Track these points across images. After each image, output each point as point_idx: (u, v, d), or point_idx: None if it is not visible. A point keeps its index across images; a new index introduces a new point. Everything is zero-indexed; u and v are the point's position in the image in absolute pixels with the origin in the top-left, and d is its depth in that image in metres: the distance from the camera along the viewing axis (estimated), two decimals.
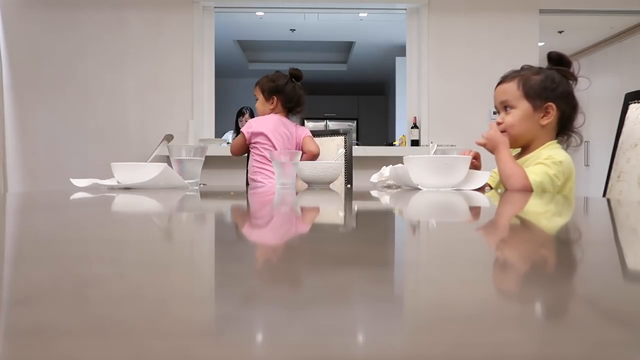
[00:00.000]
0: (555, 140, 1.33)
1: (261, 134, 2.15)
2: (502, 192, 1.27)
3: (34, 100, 3.62)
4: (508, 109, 1.33)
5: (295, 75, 2.24)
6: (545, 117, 1.30)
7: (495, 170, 1.45)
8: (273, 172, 2.09)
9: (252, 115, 4.50)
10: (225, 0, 3.80)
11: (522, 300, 0.20)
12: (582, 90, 1.35)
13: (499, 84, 1.38)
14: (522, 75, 1.32)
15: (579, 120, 1.35)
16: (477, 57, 3.67)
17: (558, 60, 1.35)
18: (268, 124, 2.16)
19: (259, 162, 2.16)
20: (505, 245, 0.37)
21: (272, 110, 2.21)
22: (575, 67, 1.34)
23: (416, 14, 3.76)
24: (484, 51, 3.67)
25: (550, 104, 1.29)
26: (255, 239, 0.42)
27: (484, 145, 1.32)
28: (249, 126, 2.18)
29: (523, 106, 1.30)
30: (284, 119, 2.20)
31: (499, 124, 1.34)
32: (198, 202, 0.89)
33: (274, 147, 2.12)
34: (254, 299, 0.19)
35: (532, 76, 1.32)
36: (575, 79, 1.33)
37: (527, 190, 1.20)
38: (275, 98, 2.20)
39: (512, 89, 1.32)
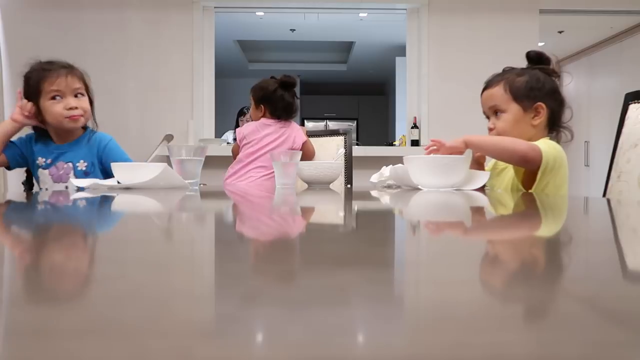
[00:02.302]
0: (547, 137, 1.33)
1: (244, 138, 2.19)
2: (501, 191, 1.27)
3: None
4: (498, 113, 1.32)
5: (285, 82, 2.20)
6: (536, 117, 1.30)
7: (488, 168, 1.44)
8: (251, 172, 2.12)
9: None
10: (225, 0, 3.81)
11: (521, 300, 0.20)
12: (566, 85, 1.35)
13: (484, 89, 1.37)
14: (506, 79, 1.31)
15: (566, 115, 1.35)
16: (477, 57, 3.67)
17: (537, 59, 1.35)
18: (249, 128, 2.20)
19: (237, 162, 2.19)
20: (504, 245, 0.37)
21: (262, 117, 2.23)
22: (554, 64, 1.34)
23: (416, 14, 3.76)
24: (484, 51, 3.67)
25: (539, 103, 1.29)
26: (256, 239, 0.41)
27: (436, 151, 1.24)
28: (239, 132, 2.23)
29: (513, 109, 1.30)
30: (269, 121, 2.19)
31: (490, 129, 1.33)
32: (198, 202, 0.89)
33: (256, 150, 2.14)
34: (254, 299, 0.19)
35: (517, 78, 1.31)
36: (557, 75, 1.33)
37: (533, 148, 1.17)
38: (262, 106, 2.22)
39: (499, 93, 1.31)
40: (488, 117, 1.37)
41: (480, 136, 1.24)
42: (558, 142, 1.34)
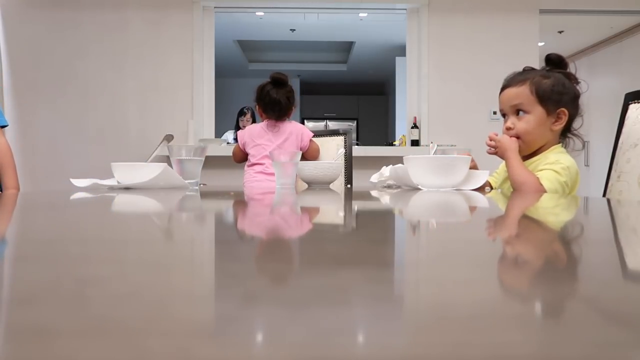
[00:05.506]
0: (561, 144, 1.32)
1: (251, 141, 2.18)
2: (507, 192, 1.27)
3: (34, 100, 3.62)
4: (521, 113, 1.29)
5: (274, 79, 2.17)
6: (557, 123, 1.28)
7: (497, 171, 1.44)
8: (266, 175, 2.12)
9: (253, 115, 4.52)
10: (225, 0, 3.81)
11: (522, 300, 0.20)
12: (583, 93, 1.34)
13: (506, 87, 1.33)
14: (531, 79, 1.29)
15: (576, 122, 1.34)
16: (477, 57, 3.67)
17: (558, 62, 1.33)
18: (253, 131, 2.20)
19: (250, 168, 2.18)
20: (504, 246, 0.37)
21: (263, 118, 2.23)
22: (572, 69, 1.33)
23: (416, 14, 3.76)
24: (484, 51, 3.67)
25: (562, 109, 1.27)
26: (255, 239, 0.41)
27: (494, 152, 1.31)
28: (241, 137, 2.22)
29: (537, 112, 1.27)
30: (270, 123, 2.18)
31: (508, 129, 1.31)
32: (198, 202, 0.89)
33: (260, 156, 2.13)
34: (254, 299, 0.19)
35: (543, 80, 1.28)
36: (577, 81, 1.32)
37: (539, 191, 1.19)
38: (257, 107, 2.22)
39: (524, 93, 1.28)
40: (504, 116, 1.35)
41: (518, 162, 1.25)
42: (566, 147, 1.34)
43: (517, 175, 1.23)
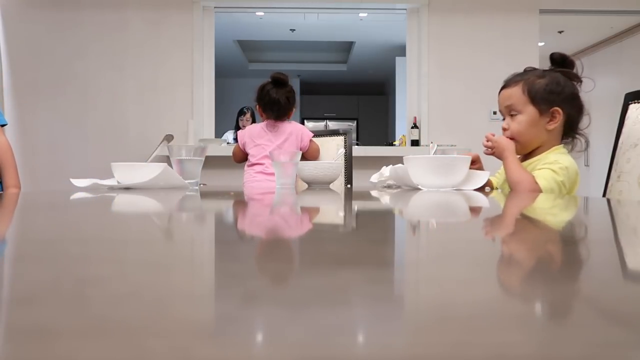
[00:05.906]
0: (562, 145, 1.32)
1: (250, 141, 2.19)
2: (507, 192, 1.27)
3: (34, 100, 3.62)
4: (514, 114, 1.29)
5: (275, 79, 2.17)
6: (551, 122, 1.27)
7: (500, 171, 1.44)
8: (266, 175, 2.12)
9: (253, 115, 4.53)
10: (225, 0, 3.81)
11: (522, 300, 0.20)
12: (587, 92, 1.34)
13: (503, 88, 1.34)
14: (526, 80, 1.28)
15: (584, 122, 1.33)
16: (477, 57, 3.67)
17: (561, 62, 1.32)
18: (252, 131, 2.20)
19: (250, 168, 2.19)
20: (505, 245, 0.37)
21: (263, 118, 2.23)
22: (578, 67, 1.32)
23: (416, 14, 3.76)
24: (484, 51, 3.67)
25: (556, 108, 1.26)
26: (255, 239, 0.41)
27: (491, 153, 1.30)
28: (241, 137, 2.22)
29: (529, 111, 1.27)
30: (270, 123, 2.18)
31: (504, 129, 1.31)
32: (198, 202, 0.89)
33: (260, 156, 2.14)
34: (254, 299, 0.19)
35: (537, 80, 1.27)
36: (579, 80, 1.31)
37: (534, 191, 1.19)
38: (257, 106, 2.22)
39: (517, 93, 1.28)
40: (503, 117, 1.35)
41: (514, 161, 1.24)
42: (573, 148, 1.33)
43: (513, 174, 1.23)
